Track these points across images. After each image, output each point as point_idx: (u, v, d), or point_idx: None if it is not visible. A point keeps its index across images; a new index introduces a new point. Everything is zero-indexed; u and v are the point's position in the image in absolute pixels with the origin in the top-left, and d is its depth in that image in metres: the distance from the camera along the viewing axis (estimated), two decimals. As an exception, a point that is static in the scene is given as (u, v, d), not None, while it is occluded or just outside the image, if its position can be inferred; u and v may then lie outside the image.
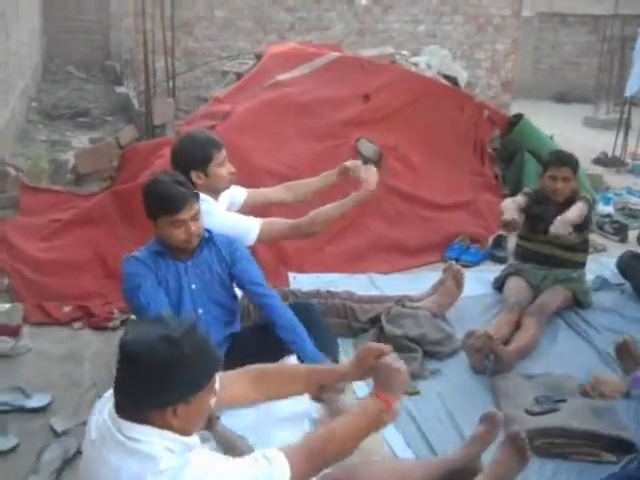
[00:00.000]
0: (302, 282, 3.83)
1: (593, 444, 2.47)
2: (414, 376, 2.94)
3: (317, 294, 3.40)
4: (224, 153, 2.96)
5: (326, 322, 3.16)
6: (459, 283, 3.46)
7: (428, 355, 3.12)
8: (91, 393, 2.85)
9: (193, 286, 2.62)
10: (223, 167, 2.95)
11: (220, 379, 1.89)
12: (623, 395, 2.76)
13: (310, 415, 2.60)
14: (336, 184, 3.31)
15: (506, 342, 3.13)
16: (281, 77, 4.92)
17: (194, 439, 1.60)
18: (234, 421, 2.37)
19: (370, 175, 3.10)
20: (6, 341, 3.13)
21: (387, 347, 1.94)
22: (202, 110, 4.97)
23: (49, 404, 2.78)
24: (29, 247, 3.81)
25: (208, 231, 2.64)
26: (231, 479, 1.51)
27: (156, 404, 1.53)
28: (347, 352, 3.14)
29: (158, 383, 1.51)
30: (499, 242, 4.43)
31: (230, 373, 1.97)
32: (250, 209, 3.30)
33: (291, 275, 3.89)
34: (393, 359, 1.91)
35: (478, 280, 3.94)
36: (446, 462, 2.28)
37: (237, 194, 3.26)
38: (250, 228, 2.90)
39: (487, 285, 3.90)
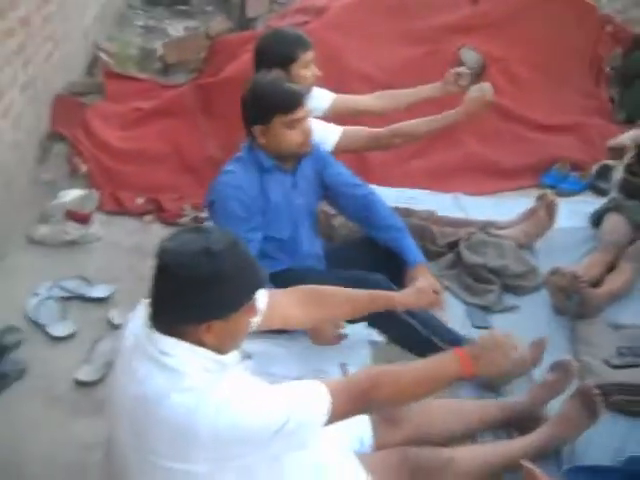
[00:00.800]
0: (382, 196, 3.62)
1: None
2: (487, 309, 2.75)
3: (394, 210, 3.20)
4: (311, 54, 2.73)
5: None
6: (552, 214, 3.15)
7: (508, 289, 2.89)
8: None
9: (298, 201, 2.44)
10: (308, 69, 2.73)
11: (270, 297, 1.77)
12: None
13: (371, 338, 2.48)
14: (436, 98, 3.04)
15: (596, 284, 2.85)
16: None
17: (231, 357, 1.48)
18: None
19: (483, 92, 2.80)
20: (76, 228, 3.12)
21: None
22: (297, 3, 4.69)
23: (110, 295, 2.76)
24: (109, 135, 3.75)
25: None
26: (262, 407, 1.39)
27: (191, 319, 1.41)
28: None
29: (194, 297, 1.39)
30: (604, 172, 4.01)
31: (282, 292, 1.84)
32: (336, 116, 3.08)
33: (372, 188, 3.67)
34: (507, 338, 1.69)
35: (574, 212, 3.60)
36: (507, 406, 2.12)
37: (323, 98, 3.03)
38: (329, 135, 2.70)
39: (583, 219, 3.53)
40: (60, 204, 3.21)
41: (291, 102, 2.26)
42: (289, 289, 1.89)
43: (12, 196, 3.19)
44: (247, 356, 1.76)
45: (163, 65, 4.60)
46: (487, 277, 2.85)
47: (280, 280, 2.14)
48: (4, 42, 3.15)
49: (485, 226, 3.18)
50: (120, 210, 3.39)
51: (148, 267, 3.05)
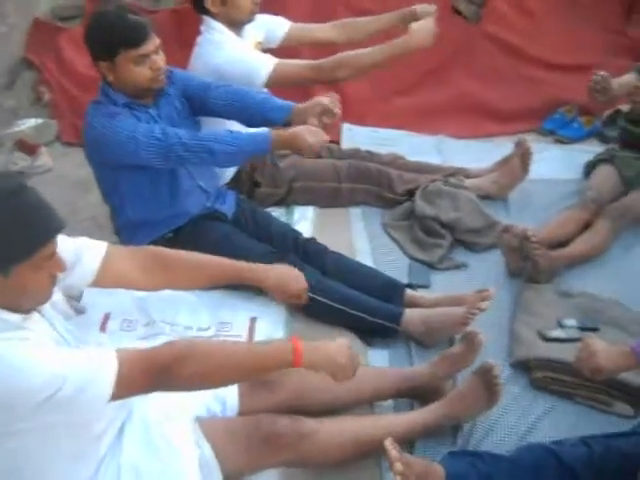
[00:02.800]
0: (356, 135, 3.39)
1: (610, 391, 1.98)
2: (431, 266, 2.54)
3: (354, 154, 2.97)
4: None
5: (353, 187, 2.79)
6: (525, 164, 2.85)
7: (463, 245, 2.66)
8: (84, 224, 2.70)
9: None
10: None
11: (108, 255, 1.62)
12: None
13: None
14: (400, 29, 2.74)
15: (565, 244, 2.58)
16: None
17: (19, 317, 1.34)
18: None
19: (424, 26, 2.52)
20: (24, 159, 3.03)
21: None
22: None
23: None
24: (79, 61, 3.60)
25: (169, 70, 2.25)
26: (31, 371, 1.24)
27: None
28: (371, 223, 2.77)
29: None
30: (615, 119, 3.63)
31: (124, 251, 1.70)
32: (293, 46, 2.86)
33: (346, 126, 3.43)
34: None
35: (569, 161, 3.27)
36: (407, 376, 1.93)
37: (277, 25, 2.81)
38: (262, 65, 2.47)
39: (577, 169, 3.21)
40: (14, 133, 3.12)
41: (136, 36, 2.05)
42: (133, 248, 1.75)
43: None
44: (80, 311, 1.61)
45: (154, -11, 4.37)
46: (438, 231, 2.61)
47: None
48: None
49: (454, 173, 2.92)
50: (79, 141, 3.27)
51: (86, 204, 3.04)
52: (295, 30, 2.82)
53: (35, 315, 1.41)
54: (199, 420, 1.61)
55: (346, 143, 3.29)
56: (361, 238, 2.70)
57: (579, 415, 1.95)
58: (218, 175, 2.53)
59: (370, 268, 2.37)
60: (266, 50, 2.80)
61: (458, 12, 3.69)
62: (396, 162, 2.94)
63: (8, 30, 3.52)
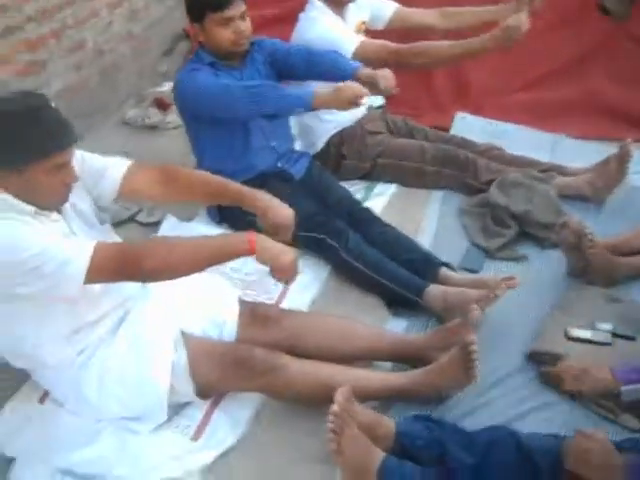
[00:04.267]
0: (468, 125, 3.37)
1: (618, 401, 1.86)
2: (488, 253, 2.52)
3: (449, 139, 2.99)
4: None
5: (438, 170, 2.83)
6: (622, 167, 2.69)
7: (532, 238, 2.59)
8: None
9: None
10: None
11: (129, 169, 1.87)
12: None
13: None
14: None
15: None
16: None
17: (32, 208, 1.61)
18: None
19: (519, 22, 2.49)
20: (156, 114, 3.42)
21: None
22: None
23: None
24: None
25: (256, 39, 2.46)
26: (21, 244, 1.51)
27: None
28: (447, 206, 2.80)
29: None
30: None
31: (141, 165, 1.91)
32: (395, 27, 2.95)
33: (459, 115, 3.44)
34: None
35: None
36: (403, 341, 2.01)
37: (384, 7, 2.93)
38: (348, 43, 2.60)
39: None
40: (156, 92, 3.52)
41: (222, 0, 2.28)
42: (151, 166, 1.94)
43: (119, 81, 3.59)
44: (105, 221, 1.86)
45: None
46: (505, 220, 2.58)
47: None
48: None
49: (548, 169, 2.85)
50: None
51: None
52: (401, 13, 2.92)
53: (54, 214, 1.68)
54: (184, 333, 1.81)
55: (456, 131, 3.29)
56: (430, 219, 2.74)
57: (577, 416, 1.87)
58: (292, 138, 2.71)
59: (413, 242, 2.42)
60: (372, 31, 2.93)
61: (604, 9, 3.51)
62: (490, 152, 2.92)
63: (175, 3, 3.96)
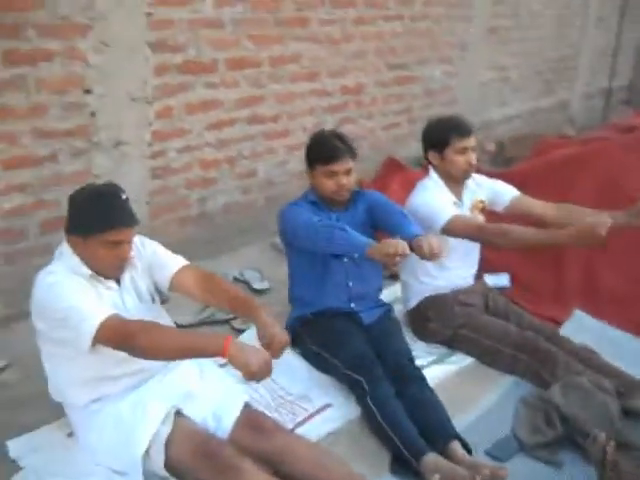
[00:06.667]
0: (582, 324, 3.28)
1: None
2: (525, 447, 2.46)
3: (541, 329, 2.97)
4: (469, 142, 2.92)
5: (514, 355, 2.85)
6: None
7: (576, 445, 2.47)
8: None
9: None
10: (462, 155, 2.92)
11: (180, 269, 2.26)
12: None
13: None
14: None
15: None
16: None
17: (89, 272, 2.06)
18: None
19: (601, 220, 2.56)
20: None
21: None
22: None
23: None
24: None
25: (360, 189, 2.77)
26: (58, 300, 1.95)
27: (65, 228, 2.09)
28: (512, 392, 2.77)
29: (68, 213, 2.08)
30: None
31: (192, 268, 2.28)
32: (511, 212, 3.11)
33: (578, 313, 3.37)
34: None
35: None
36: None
37: (505, 192, 3.14)
38: (444, 213, 2.83)
39: None
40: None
41: (329, 156, 2.68)
42: (198, 271, 2.28)
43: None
44: (164, 301, 2.23)
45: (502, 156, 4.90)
46: (552, 419, 2.51)
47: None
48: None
49: (629, 384, 2.70)
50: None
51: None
52: (522, 200, 3.08)
53: (110, 282, 2.12)
54: (179, 412, 2.08)
55: (569, 327, 3.24)
56: (488, 400, 2.75)
57: None
58: (377, 285, 2.95)
59: (439, 406, 2.46)
60: (489, 211, 3.12)
61: None
62: (582, 353, 2.84)
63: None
